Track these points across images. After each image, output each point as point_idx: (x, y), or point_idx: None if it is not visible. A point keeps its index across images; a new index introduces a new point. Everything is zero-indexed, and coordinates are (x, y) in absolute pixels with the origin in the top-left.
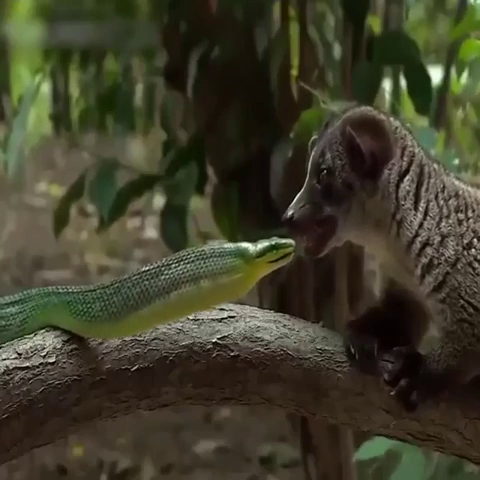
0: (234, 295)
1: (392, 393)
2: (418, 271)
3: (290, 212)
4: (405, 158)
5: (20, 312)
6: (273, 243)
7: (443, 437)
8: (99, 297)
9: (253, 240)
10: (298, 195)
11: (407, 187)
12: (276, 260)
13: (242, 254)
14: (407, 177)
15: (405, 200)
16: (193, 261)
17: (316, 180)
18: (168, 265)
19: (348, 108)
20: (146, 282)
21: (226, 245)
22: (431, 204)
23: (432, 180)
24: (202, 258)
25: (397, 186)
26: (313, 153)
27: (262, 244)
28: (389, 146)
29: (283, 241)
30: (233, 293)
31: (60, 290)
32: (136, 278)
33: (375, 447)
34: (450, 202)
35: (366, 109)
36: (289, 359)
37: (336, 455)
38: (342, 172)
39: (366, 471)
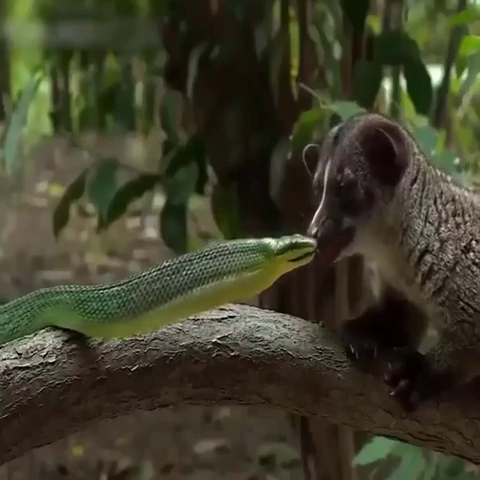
0: (254, 290)
1: (392, 393)
2: (418, 279)
3: (314, 230)
4: (415, 166)
5: (28, 311)
6: (293, 241)
7: (443, 437)
8: (115, 294)
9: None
10: (318, 212)
11: (415, 195)
12: (296, 259)
13: (264, 249)
14: (415, 185)
15: (413, 208)
16: (216, 257)
17: (335, 195)
18: (190, 261)
19: (355, 118)
20: (167, 278)
21: (249, 241)
22: (430, 209)
23: (431, 186)
24: (224, 254)
25: (408, 194)
26: (328, 168)
27: (283, 241)
28: (406, 153)
29: (303, 240)
30: (254, 288)
31: (73, 288)
32: (156, 274)
33: (374, 451)
34: (447, 206)
35: (378, 117)
36: (289, 359)
37: (336, 455)
38: (364, 181)
39: (366, 471)
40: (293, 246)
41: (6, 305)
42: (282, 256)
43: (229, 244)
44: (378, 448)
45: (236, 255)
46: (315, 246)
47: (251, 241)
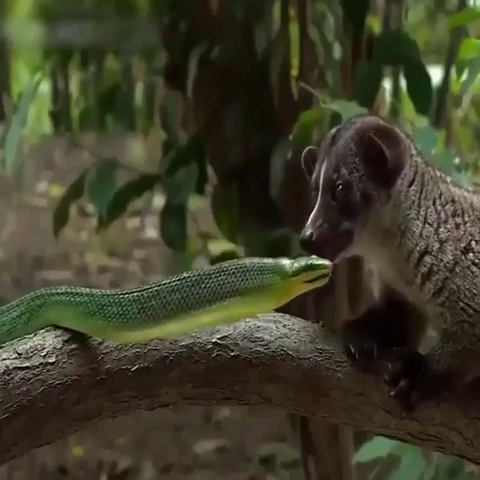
0: (268, 309)
1: (392, 393)
2: (418, 280)
3: (308, 232)
4: (412, 168)
5: (41, 305)
6: (309, 263)
7: (443, 437)
8: (136, 299)
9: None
10: (313, 213)
11: (412, 197)
12: (311, 280)
13: (279, 270)
14: (413, 187)
15: (410, 210)
16: (234, 273)
17: (331, 196)
18: (209, 274)
19: (352, 119)
20: (186, 289)
21: (266, 260)
22: (429, 210)
23: (430, 187)
24: (243, 271)
25: (405, 196)
26: (324, 168)
27: (299, 263)
28: (402, 155)
29: (319, 262)
30: (268, 307)
31: (94, 291)
32: (176, 284)
33: (374, 449)
34: (447, 207)
35: (375, 119)
36: (289, 359)
37: (336, 455)
38: (360, 184)
39: (366, 472)
40: (308, 268)
41: (22, 298)
42: (297, 278)
43: (247, 262)
44: (378, 446)
45: (253, 273)
46: (331, 268)
47: (268, 261)
